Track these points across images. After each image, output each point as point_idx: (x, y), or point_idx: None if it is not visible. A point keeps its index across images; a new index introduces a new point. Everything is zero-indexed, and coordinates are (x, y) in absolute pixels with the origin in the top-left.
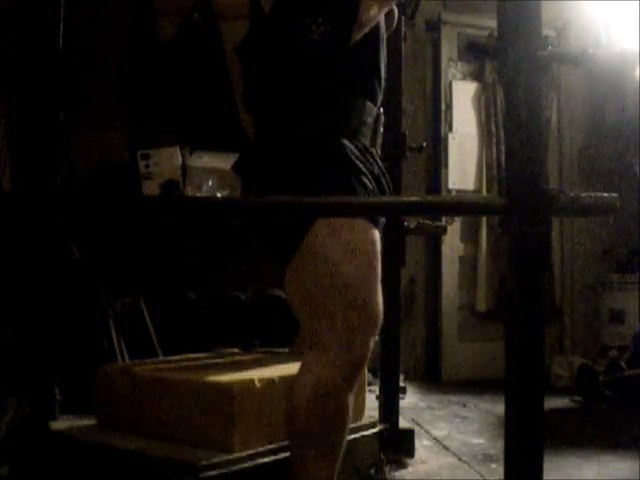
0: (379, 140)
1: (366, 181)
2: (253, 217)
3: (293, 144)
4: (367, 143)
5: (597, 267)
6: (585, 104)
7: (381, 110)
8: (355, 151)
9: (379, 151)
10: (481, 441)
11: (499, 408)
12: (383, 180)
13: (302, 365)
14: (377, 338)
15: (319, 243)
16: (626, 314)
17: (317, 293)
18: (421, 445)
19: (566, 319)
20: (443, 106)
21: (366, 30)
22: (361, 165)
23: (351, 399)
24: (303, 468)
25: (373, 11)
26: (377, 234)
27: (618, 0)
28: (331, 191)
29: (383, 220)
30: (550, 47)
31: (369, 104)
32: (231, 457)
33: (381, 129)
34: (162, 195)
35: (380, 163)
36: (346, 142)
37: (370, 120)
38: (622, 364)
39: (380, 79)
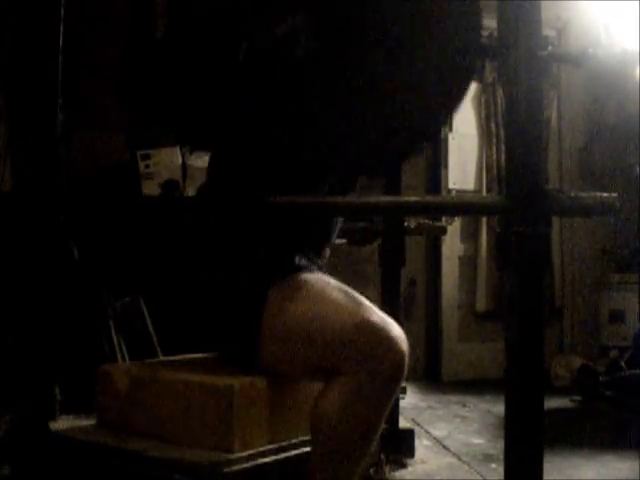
0: None
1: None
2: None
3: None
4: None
5: (597, 267)
6: (585, 104)
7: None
8: None
9: None
10: (481, 441)
11: (499, 408)
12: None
13: (332, 379)
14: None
15: (282, 307)
16: (626, 314)
17: (303, 349)
18: (421, 445)
19: (566, 319)
20: None
21: None
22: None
23: (383, 417)
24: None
25: None
26: (320, 274)
27: (618, 0)
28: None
29: (313, 266)
30: (550, 47)
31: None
32: (231, 457)
33: None
34: (162, 195)
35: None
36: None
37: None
38: (622, 364)
39: None
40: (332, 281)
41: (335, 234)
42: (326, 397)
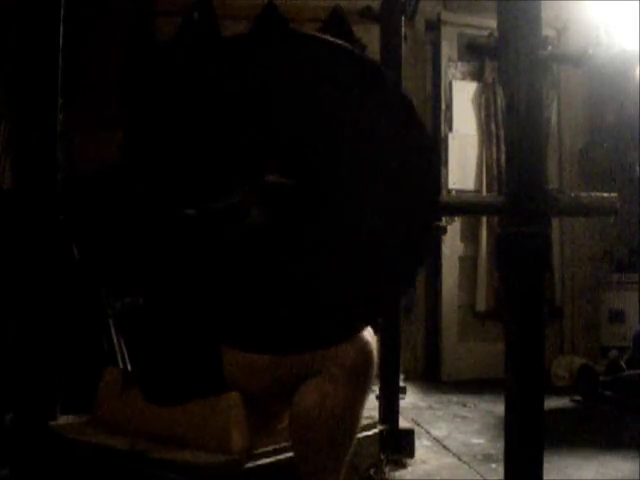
0: None
1: None
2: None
3: None
4: None
5: (597, 267)
6: (585, 104)
7: None
8: None
9: None
10: (481, 441)
11: (499, 408)
12: None
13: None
14: (376, 338)
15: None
16: (626, 314)
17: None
18: (421, 445)
19: (566, 319)
20: (443, 106)
21: None
22: None
23: (362, 410)
24: (309, 477)
25: None
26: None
27: (618, 0)
28: None
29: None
30: (550, 47)
31: None
32: (231, 458)
33: None
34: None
35: None
36: None
37: None
38: (622, 364)
39: None
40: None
41: None
42: (303, 395)
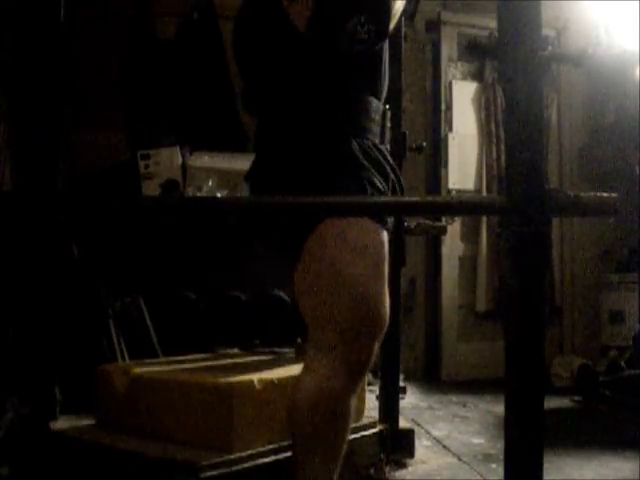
0: (387, 136)
1: (376, 181)
2: (254, 218)
3: (302, 144)
4: (377, 141)
5: (597, 267)
6: (585, 104)
7: (387, 107)
8: (367, 150)
9: (388, 147)
10: (481, 441)
11: (499, 408)
12: (392, 176)
13: (305, 366)
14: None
15: (326, 244)
16: (626, 314)
17: (323, 295)
18: (421, 445)
19: (566, 319)
20: (443, 106)
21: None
22: (370, 165)
23: (354, 401)
24: (304, 468)
25: (399, 2)
26: (385, 236)
27: (618, 0)
28: (342, 192)
29: (391, 221)
30: (550, 47)
31: (375, 101)
32: (231, 457)
33: (388, 125)
34: (162, 195)
35: (390, 160)
36: (356, 142)
37: (378, 117)
38: (622, 364)
39: (384, 76)
40: (378, 241)
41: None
42: (298, 388)
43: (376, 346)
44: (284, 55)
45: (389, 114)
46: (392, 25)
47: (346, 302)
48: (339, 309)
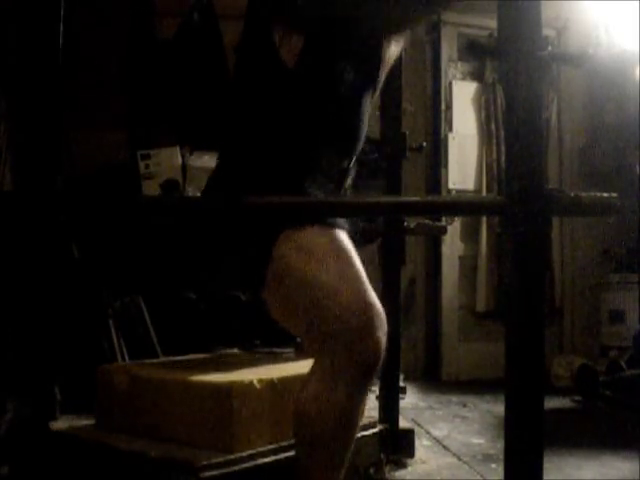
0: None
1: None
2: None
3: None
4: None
5: (597, 267)
6: (585, 104)
7: (352, 163)
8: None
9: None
10: (481, 441)
11: (499, 408)
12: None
13: (309, 372)
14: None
15: (287, 262)
16: (626, 314)
17: (301, 311)
18: (421, 445)
19: (566, 319)
20: (443, 106)
21: (388, 69)
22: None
23: (362, 409)
24: (309, 472)
25: (394, 48)
26: (343, 234)
27: (618, 0)
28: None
29: (344, 220)
30: (550, 47)
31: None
32: (231, 457)
33: (348, 181)
34: (162, 195)
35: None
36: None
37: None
38: (622, 364)
39: (360, 125)
40: (338, 243)
41: (355, 154)
42: (304, 390)
43: (381, 341)
44: (269, 89)
45: (352, 172)
46: (384, 73)
47: (325, 311)
48: (321, 321)
